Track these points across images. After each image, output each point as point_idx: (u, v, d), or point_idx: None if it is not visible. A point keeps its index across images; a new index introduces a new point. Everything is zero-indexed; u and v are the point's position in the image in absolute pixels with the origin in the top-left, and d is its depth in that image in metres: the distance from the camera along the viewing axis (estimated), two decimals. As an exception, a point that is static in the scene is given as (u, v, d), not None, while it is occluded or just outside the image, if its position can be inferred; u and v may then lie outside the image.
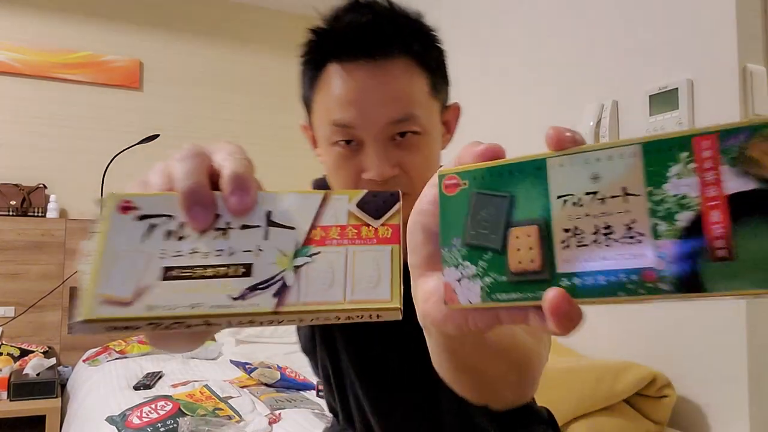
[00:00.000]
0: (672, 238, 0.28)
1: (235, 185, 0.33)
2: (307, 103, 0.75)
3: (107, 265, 0.33)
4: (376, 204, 0.36)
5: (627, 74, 1.63)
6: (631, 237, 0.29)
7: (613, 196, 0.29)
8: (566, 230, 0.30)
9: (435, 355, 0.47)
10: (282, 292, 0.32)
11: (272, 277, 0.33)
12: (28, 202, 2.61)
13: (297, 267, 0.33)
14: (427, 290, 0.36)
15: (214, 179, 0.34)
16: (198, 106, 3.09)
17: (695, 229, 0.27)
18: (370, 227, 0.35)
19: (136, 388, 1.92)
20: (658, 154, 0.28)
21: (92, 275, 0.32)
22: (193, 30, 3.11)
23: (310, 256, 0.34)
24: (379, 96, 0.67)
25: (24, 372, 2.19)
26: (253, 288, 0.32)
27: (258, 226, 0.34)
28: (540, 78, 1.97)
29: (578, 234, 0.30)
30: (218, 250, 0.33)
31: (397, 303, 0.33)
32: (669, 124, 1.48)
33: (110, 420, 1.56)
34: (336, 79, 0.68)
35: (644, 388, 1.37)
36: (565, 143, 0.32)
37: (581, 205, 0.30)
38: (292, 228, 0.34)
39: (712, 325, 1.37)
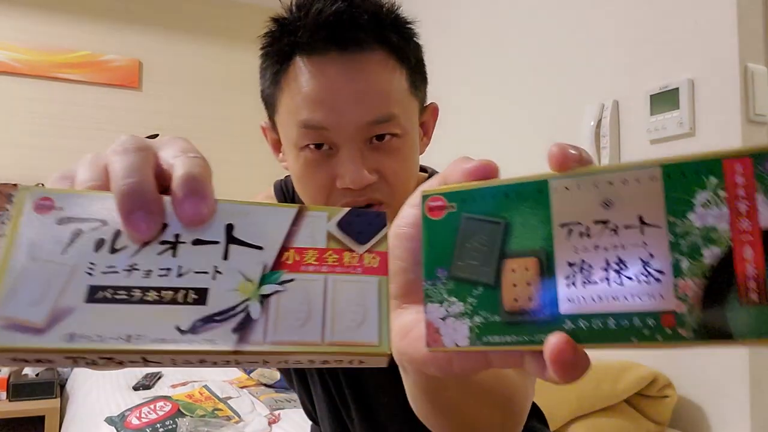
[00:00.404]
0: (696, 276, 0.24)
1: (189, 189, 0.27)
2: (269, 101, 0.66)
3: (14, 278, 0.25)
4: (360, 225, 0.30)
5: (627, 74, 1.63)
6: (648, 274, 0.25)
7: (628, 227, 0.25)
8: (571, 264, 0.26)
9: (412, 396, 0.42)
10: (244, 327, 0.26)
11: (232, 308, 0.26)
12: (27, 202, 2.61)
13: (264, 296, 0.27)
14: (403, 325, 0.31)
15: (160, 180, 0.28)
16: (197, 106, 3.09)
17: (724, 267, 0.24)
18: (354, 253, 0.29)
19: (136, 388, 1.92)
20: (682, 179, 0.25)
21: None
22: (192, 30, 3.11)
23: (281, 283, 0.27)
24: (354, 94, 0.59)
25: (23, 372, 2.19)
26: (208, 320, 0.26)
27: (216, 242, 0.27)
28: (540, 78, 1.97)
29: (585, 269, 0.26)
30: (163, 269, 0.26)
31: (386, 348, 0.27)
32: (670, 124, 1.47)
33: (109, 420, 1.55)
34: (304, 74, 0.60)
35: (645, 388, 1.37)
36: (571, 162, 0.27)
37: (589, 236, 0.26)
38: (260, 248, 0.28)
39: (713, 325, 1.37)
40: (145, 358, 0.25)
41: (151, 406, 1.57)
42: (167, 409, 1.55)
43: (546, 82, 1.94)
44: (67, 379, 2.43)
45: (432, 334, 0.28)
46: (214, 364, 0.26)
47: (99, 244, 0.26)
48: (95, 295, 0.25)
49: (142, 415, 1.52)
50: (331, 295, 0.28)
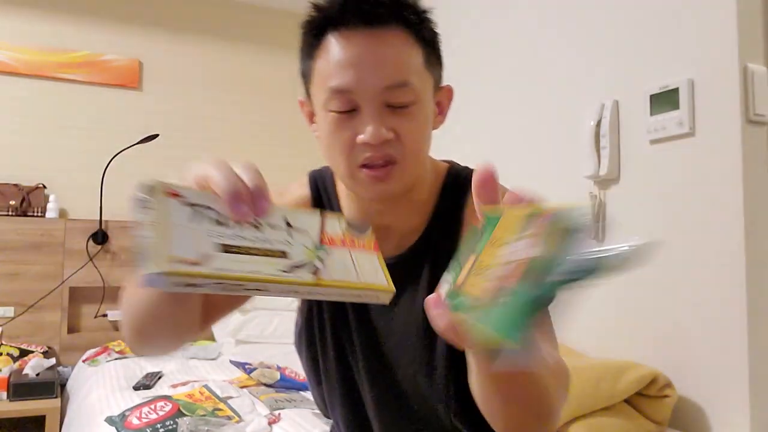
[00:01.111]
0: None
1: (259, 192, 0.43)
2: (306, 73, 0.76)
3: (170, 233, 0.39)
4: (357, 226, 0.52)
5: (628, 74, 1.63)
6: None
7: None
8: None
9: (483, 388, 0.53)
10: (316, 271, 0.44)
11: (305, 262, 0.44)
12: (27, 202, 2.61)
13: (320, 258, 0.45)
14: None
15: None
16: (197, 106, 3.09)
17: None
18: (358, 240, 0.50)
19: (136, 388, 1.92)
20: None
21: (160, 239, 0.39)
22: (192, 30, 3.11)
23: (327, 252, 0.46)
24: (376, 61, 0.69)
25: (24, 372, 2.19)
26: (294, 266, 0.43)
27: (281, 227, 0.45)
28: (540, 78, 1.97)
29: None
30: (256, 238, 0.43)
31: (393, 288, 0.47)
32: (670, 123, 1.47)
33: (109, 420, 1.56)
34: (334, 46, 0.70)
35: (645, 387, 1.37)
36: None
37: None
38: (306, 231, 0.47)
39: (713, 325, 1.37)
40: (262, 287, 0.41)
41: (152, 406, 1.57)
42: (167, 409, 1.55)
43: (546, 82, 1.94)
44: (67, 379, 2.43)
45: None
46: (296, 293, 0.44)
47: (212, 220, 0.42)
48: (224, 249, 0.40)
49: (143, 415, 1.52)
50: (354, 259, 0.47)
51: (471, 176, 0.72)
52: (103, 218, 2.70)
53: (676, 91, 1.46)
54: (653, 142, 1.54)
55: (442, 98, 0.79)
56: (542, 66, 1.96)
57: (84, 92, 2.86)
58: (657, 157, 1.53)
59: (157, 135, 2.78)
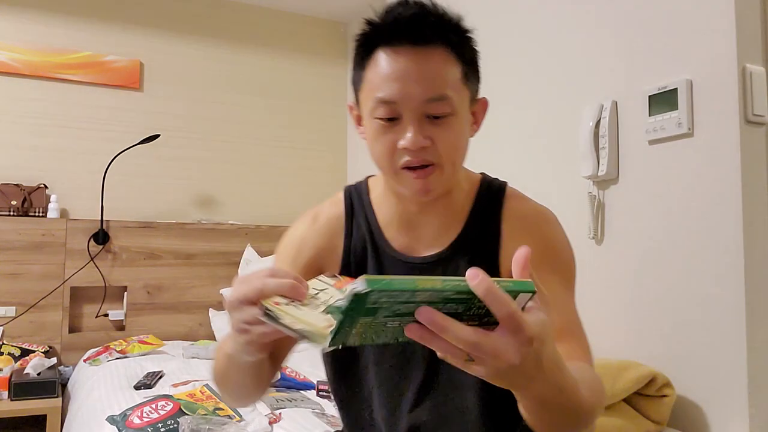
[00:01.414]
0: None
1: (296, 292, 0.62)
2: (356, 81, 0.86)
3: (300, 316, 0.58)
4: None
5: (626, 75, 1.64)
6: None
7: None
8: None
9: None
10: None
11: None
12: (28, 202, 2.61)
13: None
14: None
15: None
16: (198, 106, 3.09)
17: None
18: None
19: (137, 387, 1.92)
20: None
21: (309, 324, 0.56)
22: (193, 30, 3.11)
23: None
24: (419, 77, 0.78)
25: (25, 372, 2.19)
26: (329, 309, 0.58)
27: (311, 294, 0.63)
28: (539, 79, 1.97)
29: None
30: (307, 307, 0.60)
31: (326, 333, 0.55)
32: (668, 124, 1.48)
33: (111, 420, 1.56)
34: (383, 60, 0.79)
35: (644, 387, 1.37)
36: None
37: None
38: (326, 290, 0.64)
39: (712, 324, 1.38)
40: (298, 331, 0.57)
41: (153, 406, 1.57)
42: (169, 408, 1.55)
43: (545, 82, 1.95)
44: (68, 379, 2.44)
45: None
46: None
47: (290, 301, 0.61)
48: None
49: (144, 415, 1.53)
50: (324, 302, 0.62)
51: (504, 187, 0.92)
52: (104, 218, 2.71)
53: (674, 91, 1.46)
54: (652, 142, 1.55)
55: (478, 109, 0.88)
56: (541, 66, 1.97)
57: (85, 93, 2.86)
58: (656, 158, 1.54)
59: (158, 135, 2.79)
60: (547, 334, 0.53)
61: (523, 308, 0.51)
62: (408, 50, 0.78)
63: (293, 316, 0.58)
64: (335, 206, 0.98)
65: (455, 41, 0.81)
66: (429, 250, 0.89)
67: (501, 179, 0.95)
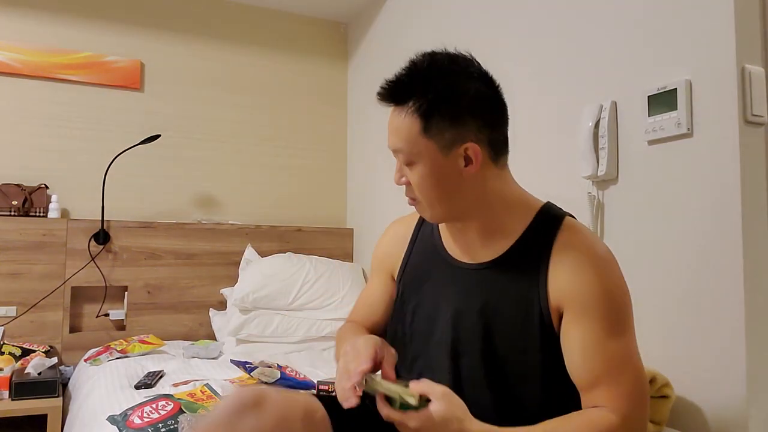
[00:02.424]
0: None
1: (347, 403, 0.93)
2: None
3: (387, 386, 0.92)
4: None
5: (625, 75, 1.64)
6: None
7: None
8: None
9: None
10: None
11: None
12: (29, 202, 2.62)
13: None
14: None
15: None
16: (198, 106, 3.09)
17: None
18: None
19: (138, 387, 1.93)
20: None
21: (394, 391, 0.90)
22: (193, 31, 3.12)
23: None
24: (390, 130, 0.99)
25: (26, 371, 2.20)
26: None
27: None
28: (538, 79, 1.98)
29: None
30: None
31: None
32: (668, 124, 1.48)
33: (111, 420, 1.56)
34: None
35: (643, 387, 1.37)
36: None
37: None
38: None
39: (712, 324, 1.38)
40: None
41: (153, 405, 1.58)
42: (169, 408, 1.56)
43: (544, 83, 1.95)
44: (69, 378, 2.44)
45: None
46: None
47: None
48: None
49: (145, 415, 1.53)
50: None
51: (563, 217, 1.02)
52: (104, 218, 2.71)
53: (674, 92, 1.46)
54: (651, 142, 1.55)
55: (467, 154, 0.96)
56: (540, 67, 1.97)
57: (86, 93, 2.87)
58: (655, 158, 1.54)
59: (158, 135, 2.79)
60: (433, 427, 0.85)
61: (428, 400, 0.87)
62: (392, 108, 0.98)
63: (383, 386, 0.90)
64: (408, 227, 1.20)
65: (421, 99, 0.94)
66: (478, 259, 1.04)
67: (565, 211, 1.05)
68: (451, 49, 1.03)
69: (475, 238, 1.04)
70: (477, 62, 1.03)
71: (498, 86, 1.03)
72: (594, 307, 0.91)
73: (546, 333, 0.96)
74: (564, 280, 0.94)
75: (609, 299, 0.92)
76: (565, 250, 0.96)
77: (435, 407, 0.85)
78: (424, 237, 1.15)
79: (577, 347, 0.93)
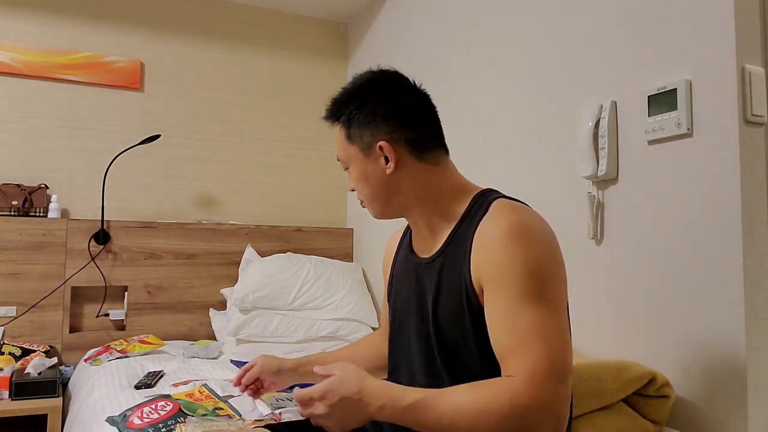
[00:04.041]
0: None
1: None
2: None
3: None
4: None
5: (625, 75, 1.64)
6: None
7: None
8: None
9: None
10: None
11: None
12: (29, 202, 2.62)
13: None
14: None
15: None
16: (198, 106, 3.10)
17: None
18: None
19: (138, 387, 1.93)
20: None
21: None
22: (193, 31, 3.12)
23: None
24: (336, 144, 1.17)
25: (26, 371, 2.20)
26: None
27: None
28: (538, 79, 1.97)
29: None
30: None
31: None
32: (668, 124, 1.48)
33: (111, 420, 1.56)
34: None
35: (643, 387, 1.38)
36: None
37: None
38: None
39: (712, 324, 1.38)
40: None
41: (153, 406, 1.58)
42: (168, 408, 1.56)
43: (544, 83, 1.95)
44: (69, 378, 2.44)
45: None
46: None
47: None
48: None
49: (144, 415, 1.53)
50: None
51: (493, 199, 1.02)
52: (104, 218, 2.71)
53: (674, 92, 1.46)
54: (651, 142, 1.55)
55: (384, 153, 1.07)
56: (540, 67, 1.97)
57: (86, 93, 2.87)
58: (655, 158, 1.54)
59: (158, 136, 2.79)
60: (334, 390, 0.93)
61: None
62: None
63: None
64: (402, 229, 1.29)
65: (343, 112, 1.11)
66: (431, 252, 1.10)
67: (500, 193, 1.07)
68: (392, 68, 1.14)
69: (426, 232, 1.12)
70: (405, 78, 1.12)
71: (423, 94, 1.13)
72: (507, 277, 0.91)
73: (475, 313, 0.99)
74: (480, 257, 0.97)
75: (523, 269, 0.90)
76: (484, 230, 0.98)
77: (333, 374, 0.96)
78: (405, 243, 1.22)
79: (492, 319, 0.94)
